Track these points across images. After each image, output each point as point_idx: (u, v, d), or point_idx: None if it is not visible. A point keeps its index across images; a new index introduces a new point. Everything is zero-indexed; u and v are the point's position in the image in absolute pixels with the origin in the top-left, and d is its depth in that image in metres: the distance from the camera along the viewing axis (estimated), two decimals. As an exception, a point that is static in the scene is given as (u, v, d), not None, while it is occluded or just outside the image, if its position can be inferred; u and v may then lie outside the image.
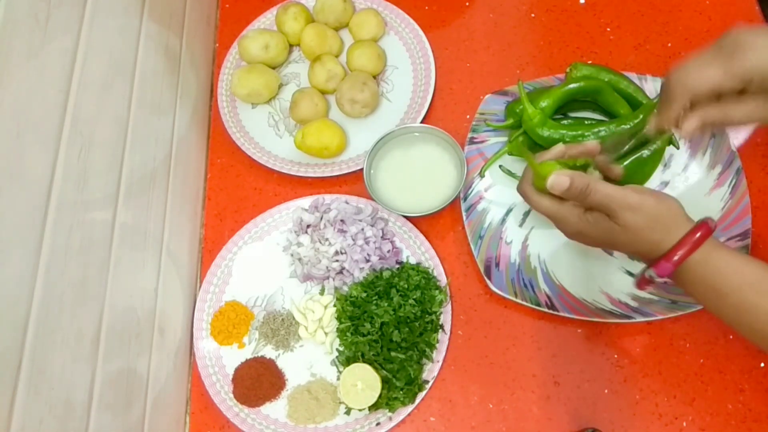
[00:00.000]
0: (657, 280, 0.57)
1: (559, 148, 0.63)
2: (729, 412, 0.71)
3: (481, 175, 0.82)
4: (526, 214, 0.81)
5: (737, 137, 0.81)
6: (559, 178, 0.58)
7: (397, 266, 0.80)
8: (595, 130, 0.75)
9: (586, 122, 0.80)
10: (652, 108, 0.72)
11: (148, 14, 0.77)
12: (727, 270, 0.54)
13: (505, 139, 0.84)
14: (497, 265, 0.78)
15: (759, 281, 0.53)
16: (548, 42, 0.92)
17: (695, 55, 0.55)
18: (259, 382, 0.76)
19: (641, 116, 0.75)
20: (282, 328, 0.79)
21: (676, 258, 0.54)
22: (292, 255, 0.82)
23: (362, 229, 0.80)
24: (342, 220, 0.80)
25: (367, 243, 0.80)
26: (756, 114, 0.55)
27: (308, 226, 0.82)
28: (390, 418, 0.73)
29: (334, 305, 0.79)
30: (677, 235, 0.55)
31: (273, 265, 0.83)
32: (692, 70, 0.54)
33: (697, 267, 0.55)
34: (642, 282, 0.59)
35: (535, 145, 0.79)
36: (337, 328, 0.78)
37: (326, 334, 0.78)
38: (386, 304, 0.76)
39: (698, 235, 0.54)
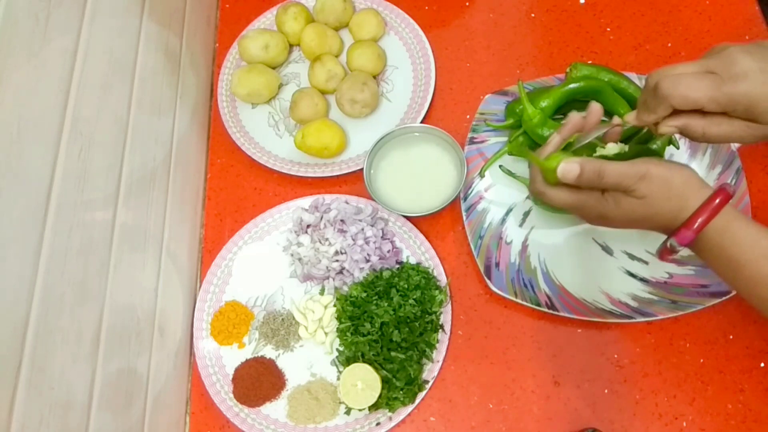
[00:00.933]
0: (678, 249, 0.57)
1: (555, 138, 0.63)
2: (729, 412, 0.71)
3: (481, 175, 0.82)
4: (526, 214, 0.81)
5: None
6: (569, 166, 0.58)
7: (397, 266, 0.80)
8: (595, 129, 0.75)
9: None
10: None
11: (148, 14, 0.77)
12: (744, 240, 0.54)
13: (505, 139, 0.84)
14: (497, 265, 0.78)
15: None
16: (548, 42, 0.92)
17: (688, 65, 0.56)
18: (259, 382, 0.76)
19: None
20: (282, 328, 0.79)
21: (696, 225, 0.54)
22: (292, 255, 0.82)
23: (362, 229, 0.80)
24: (342, 220, 0.81)
25: (367, 243, 0.80)
26: (733, 135, 0.56)
27: (308, 226, 0.82)
28: (390, 418, 0.73)
29: (334, 305, 0.79)
30: (696, 203, 0.55)
31: (273, 265, 0.83)
32: (682, 85, 0.54)
33: (715, 236, 0.55)
34: (664, 252, 0.59)
35: (536, 145, 0.79)
36: (337, 328, 0.78)
37: (326, 334, 0.78)
38: (386, 304, 0.76)
39: (717, 201, 0.54)
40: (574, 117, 0.63)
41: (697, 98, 0.54)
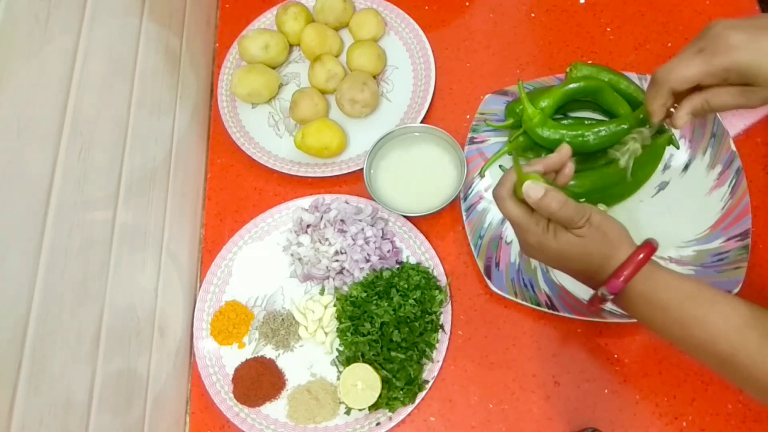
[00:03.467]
0: (608, 297, 0.59)
1: (540, 164, 0.63)
2: (729, 412, 0.71)
3: (481, 175, 0.82)
4: (526, 214, 0.81)
5: (733, 128, 0.82)
6: (535, 186, 0.58)
7: (397, 266, 0.80)
8: (595, 130, 0.75)
9: (586, 122, 0.80)
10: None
11: (148, 14, 0.77)
12: (669, 285, 0.57)
13: (505, 139, 0.84)
14: (497, 265, 0.78)
15: (697, 294, 0.56)
16: (548, 42, 0.92)
17: (680, 52, 0.60)
18: (259, 382, 0.76)
19: (641, 116, 0.75)
20: (282, 328, 0.79)
21: (624, 275, 0.57)
22: (292, 255, 0.82)
23: (362, 229, 0.80)
24: (342, 220, 0.81)
25: (367, 243, 0.80)
26: (734, 102, 0.59)
27: (308, 226, 0.82)
28: (390, 418, 0.73)
29: (334, 305, 0.79)
30: (625, 254, 0.58)
31: (273, 265, 0.83)
32: (675, 67, 0.59)
33: (641, 284, 0.58)
34: (595, 300, 0.61)
35: (535, 145, 0.79)
36: (337, 328, 0.78)
37: (326, 334, 0.78)
38: (386, 304, 0.76)
39: (642, 255, 0.57)
40: (563, 149, 0.63)
41: (692, 74, 0.58)
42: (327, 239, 0.80)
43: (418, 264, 0.80)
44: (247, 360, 0.79)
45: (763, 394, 0.53)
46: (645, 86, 0.82)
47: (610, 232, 0.59)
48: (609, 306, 0.74)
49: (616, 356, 0.74)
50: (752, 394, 0.56)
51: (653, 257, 0.58)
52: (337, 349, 0.78)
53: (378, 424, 0.73)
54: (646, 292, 0.58)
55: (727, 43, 0.55)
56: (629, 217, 0.78)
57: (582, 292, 0.76)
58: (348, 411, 0.75)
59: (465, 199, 0.81)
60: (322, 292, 0.81)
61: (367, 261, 0.79)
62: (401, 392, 0.73)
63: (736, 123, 0.83)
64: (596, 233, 0.59)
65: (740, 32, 0.55)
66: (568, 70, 0.80)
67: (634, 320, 0.72)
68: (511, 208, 0.61)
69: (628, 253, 0.58)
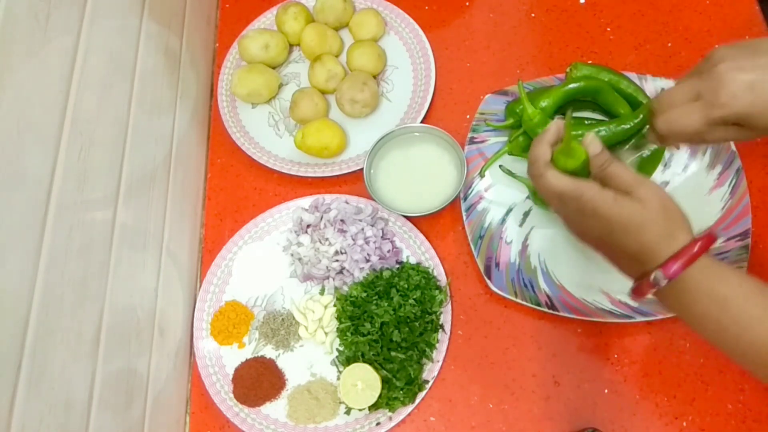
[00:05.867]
0: (662, 283, 0.54)
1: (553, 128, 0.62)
2: (729, 412, 0.71)
3: (481, 175, 0.82)
4: (526, 214, 0.81)
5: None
6: (596, 139, 0.58)
7: (397, 266, 0.80)
8: (596, 130, 0.75)
9: (586, 122, 0.80)
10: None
11: (148, 14, 0.77)
12: (730, 280, 0.53)
13: (505, 139, 0.84)
14: (497, 265, 0.78)
15: (759, 293, 0.52)
16: (548, 42, 0.92)
17: (679, 90, 0.57)
18: (259, 381, 0.76)
19: (641, 116, 0.75)
20: (282, 328, 0.79)
21: (684, 258, 0.52)
22: (292, 255, 0.82)
23: (362, 229, 0.80)
24: (342, 220, 0.81)
25: (367, 243, 0.80)
26: (730, 137, 0.58)
27: (308, 226, 0.82)
28: (390, 418, 0.73)
29: (334, 305, 0.79)
30: (686, 238, 0.54)
31: (273, 265, 0.83)
32: (676, 118, 0.57)
33: (700, 275, 0.53)
34: (644, 286, 0.56)
35: None
36: (337, 328, 0.78)
37: (326, 334, 0.78)
38: (386, 304, 0.76)
39: (701, 242, 0.53)
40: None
41: (693, 131, 0.57)
42: (327, 239, 0.80)
43: (418, 264, 0.80)
44: (247, 360, 0.79)
45: None
46: (645, 86, 0.82)
47: (673, 209, 0.55)
48: (609, 306, 0.74)
49: (616, 356, 0.74)
50: None
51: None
52: (337, 349, 0.78)
53: (378, 424, 0.73)
54: (704, 283, 0.52)
55: (728, 92, 0.53)
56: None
57: (582, 291, 0.76)
58: (348, 411, 0.75)
59: (465, 199, 0.81)
60: (322, 292, 0.81)
61: (367, 261, 0.79)
62: (401, 392, 0.73)
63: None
64: (657, 204, 0.54)
65: (743, 74, 0.52)
66: (568, 70, 0.80)
67: (634, 320, 0.72)
68: (556, 179, 0.58)
69: (689, 238, 0.53)
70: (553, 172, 0.59)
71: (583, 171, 0.59)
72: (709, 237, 0.54)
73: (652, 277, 0.54)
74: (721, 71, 0.54)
